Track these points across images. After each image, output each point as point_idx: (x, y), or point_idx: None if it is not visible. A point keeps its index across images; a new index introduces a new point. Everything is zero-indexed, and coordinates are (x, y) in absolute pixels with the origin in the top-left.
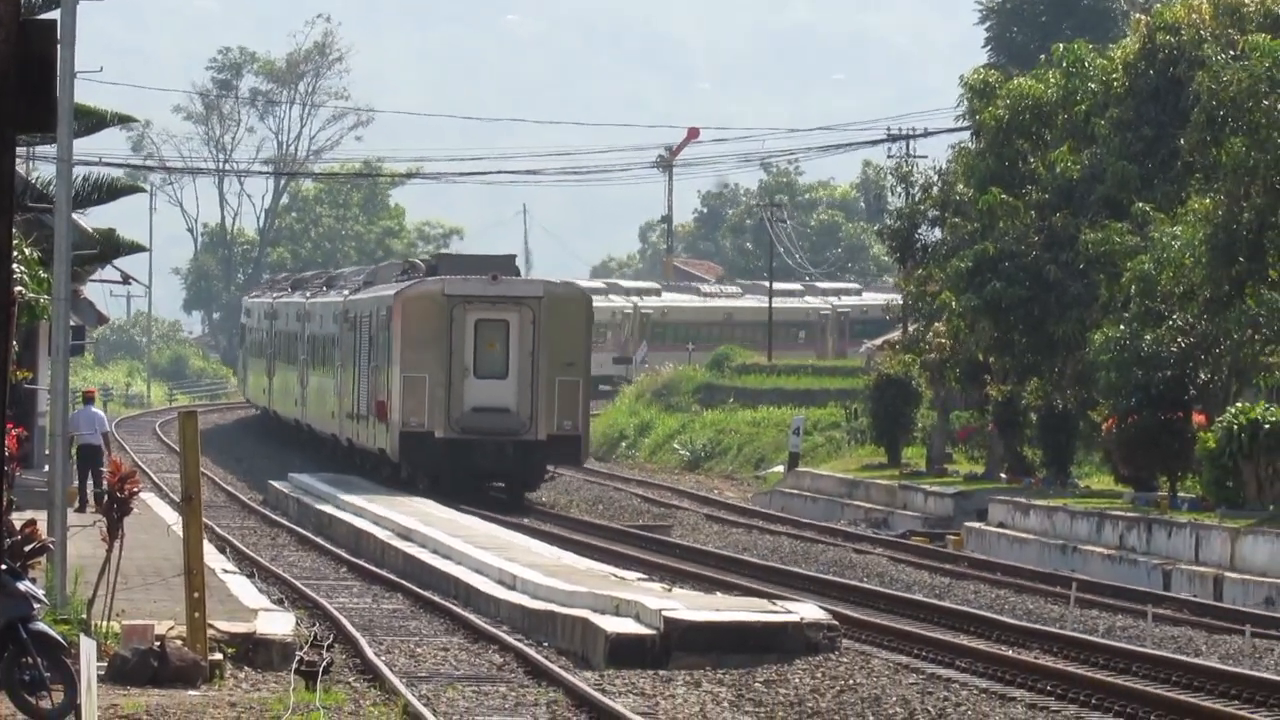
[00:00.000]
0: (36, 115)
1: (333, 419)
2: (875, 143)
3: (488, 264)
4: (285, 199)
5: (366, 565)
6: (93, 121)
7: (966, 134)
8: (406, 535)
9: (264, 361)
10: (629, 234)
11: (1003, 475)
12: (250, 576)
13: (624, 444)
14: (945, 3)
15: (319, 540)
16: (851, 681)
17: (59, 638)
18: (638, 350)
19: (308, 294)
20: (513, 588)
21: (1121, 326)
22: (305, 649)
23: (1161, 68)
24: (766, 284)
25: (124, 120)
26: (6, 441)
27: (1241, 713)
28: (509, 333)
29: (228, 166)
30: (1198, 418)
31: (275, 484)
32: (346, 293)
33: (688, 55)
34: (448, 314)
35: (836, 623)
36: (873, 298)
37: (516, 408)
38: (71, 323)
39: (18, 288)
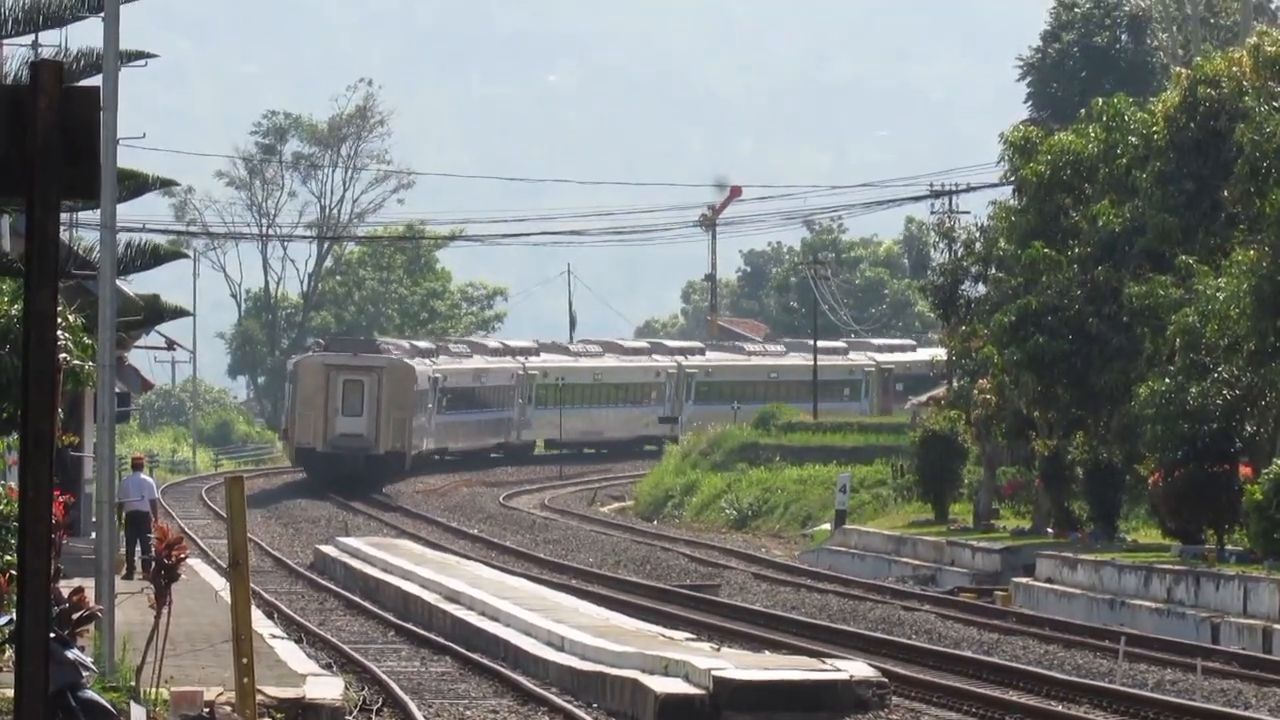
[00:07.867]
0: (80, 182)
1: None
2: (918, 198)
3: (356, 344)
4: (329, 262)
5: (414, 629)
6: (135, 185)
7: (1009, 189)
8: (454, 598)
9: None
10: (673, 293)
11: (1050, 530)
12: (298, 641)
13: (670, 503)
14: (985, 54)
15: (367, 604)
16: None
17: (108, 705)
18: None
19: None
20: (561, 649)
21: (1167, 380)
22: (354, 713)
23: (1202, 121)
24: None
25: (165, 184)
26: (53, 509)
27: None
28: (364, 388)
29: (271, 231)
30: (1244, 470)
31: (322, 548)
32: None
33: (729, 109)
34: (326, 375)
35: (886, 680)
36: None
37: (367, 434)
38: (116, 389)
39: (62, 354)
